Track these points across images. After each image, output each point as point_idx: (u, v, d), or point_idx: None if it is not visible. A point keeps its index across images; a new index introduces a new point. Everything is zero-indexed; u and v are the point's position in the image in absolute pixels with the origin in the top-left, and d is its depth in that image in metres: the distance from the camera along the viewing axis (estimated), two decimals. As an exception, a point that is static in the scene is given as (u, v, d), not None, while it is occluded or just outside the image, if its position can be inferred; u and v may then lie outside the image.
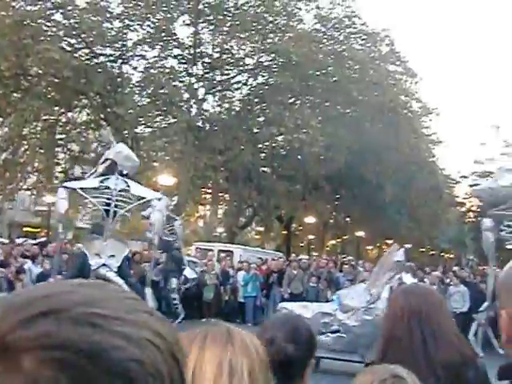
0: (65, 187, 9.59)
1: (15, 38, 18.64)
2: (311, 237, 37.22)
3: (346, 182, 26.53)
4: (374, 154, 24.74)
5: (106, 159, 9.32)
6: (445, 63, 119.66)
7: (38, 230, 29.91)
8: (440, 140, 32.58)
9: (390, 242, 42.82)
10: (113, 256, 8.72)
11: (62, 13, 20.21)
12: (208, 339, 1.18)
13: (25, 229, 30.02)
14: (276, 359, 1.46)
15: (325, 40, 23.34)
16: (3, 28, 18.56)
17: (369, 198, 27.24)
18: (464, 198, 36.47)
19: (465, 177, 34.51)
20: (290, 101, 23.18)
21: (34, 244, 14.41)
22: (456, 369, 1.92)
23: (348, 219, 33.94)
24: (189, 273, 13.74)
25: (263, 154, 24.76)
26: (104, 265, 8.65)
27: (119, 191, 9.12)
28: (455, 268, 17.51)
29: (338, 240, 38.50)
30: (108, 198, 9.09)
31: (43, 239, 19.90)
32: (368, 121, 23.02)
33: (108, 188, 9.09)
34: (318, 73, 22.52)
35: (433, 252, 37.25)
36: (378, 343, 2.21)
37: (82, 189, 9.28)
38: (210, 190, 25.76)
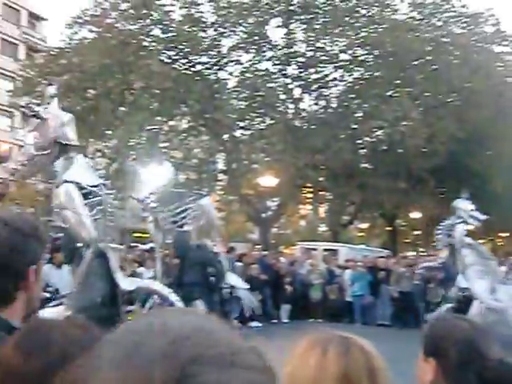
0: None
1: (120, 56, 19.73)
2: (417, 232, 36.00)
3: (451, 174, 25.34)
4: (481, 143, 23.41)
5: None
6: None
7: (148, 235, 31.20)
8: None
9: (504, 235, 40.44)
10: None
11: (160, 28, 21.11)
12: (330, 347, 1.18)
13: (134, 234, 31.30)
14: None
15: (422, 27, 22.44)
16: (109, 48, 19.72)
17: (477, 189, 25.77)
18: None
19: None
20: (388, 93, 22.54)
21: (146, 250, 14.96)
22: None
23: (455, 213, 32.44)
24: None
25: (363, 150, 24.26)
26: None
27: None
28: None
29: (446, 235, 36.88)
30: None
31: (153, 244, 20.71)
32: (473, 108, 21.82)
33: None
34: (416, 62, 21.71)
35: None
36: None
37: None
38: (311, 189, 25.65)
